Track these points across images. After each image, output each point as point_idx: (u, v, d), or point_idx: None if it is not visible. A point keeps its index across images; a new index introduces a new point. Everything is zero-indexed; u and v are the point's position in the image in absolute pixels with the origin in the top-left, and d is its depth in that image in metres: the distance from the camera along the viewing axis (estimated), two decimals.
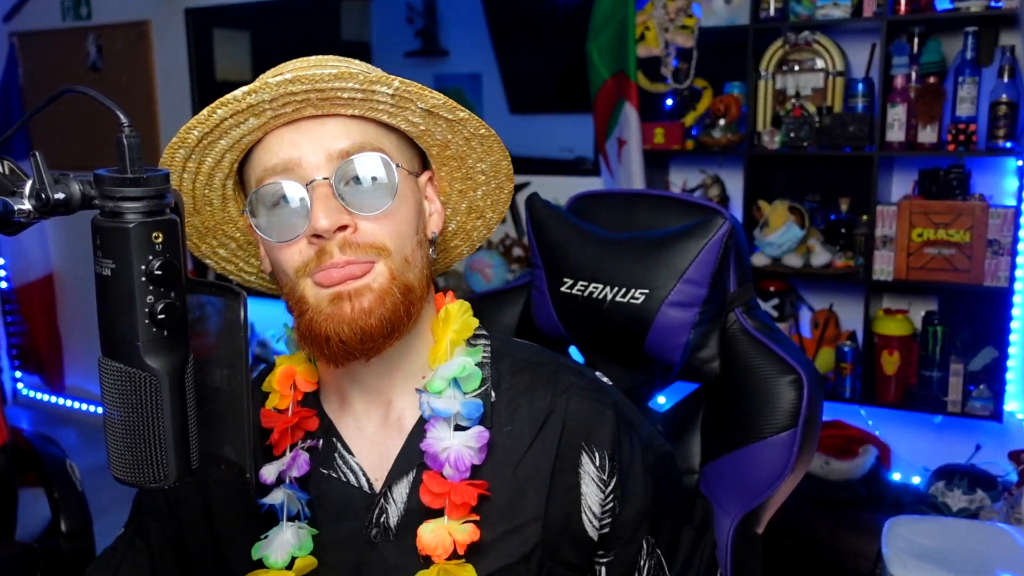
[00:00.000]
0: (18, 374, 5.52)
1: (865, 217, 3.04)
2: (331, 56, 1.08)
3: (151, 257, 0.78)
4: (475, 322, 1.15)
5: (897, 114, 2.90)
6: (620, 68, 3.13)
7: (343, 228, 0.99)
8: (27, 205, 0.80)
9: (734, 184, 3.30)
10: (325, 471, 1.11)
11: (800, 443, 1.29)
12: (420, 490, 1.05)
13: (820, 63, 3.08)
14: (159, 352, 0.80)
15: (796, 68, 3.12)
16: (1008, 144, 2.78)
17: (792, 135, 3.03)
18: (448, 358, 1.10)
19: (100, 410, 4.16)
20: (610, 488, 1.10)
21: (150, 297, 0.79)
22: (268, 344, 4.26)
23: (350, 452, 1.11)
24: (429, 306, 1.12)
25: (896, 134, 2.91)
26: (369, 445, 1.12)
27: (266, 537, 1.09)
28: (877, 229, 2.96)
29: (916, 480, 3.09)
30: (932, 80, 2.90)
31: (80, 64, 4.82)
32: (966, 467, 2.93)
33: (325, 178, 0.99)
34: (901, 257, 2.94)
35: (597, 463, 1.10)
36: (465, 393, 1.09)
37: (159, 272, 0.78)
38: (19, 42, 5.09)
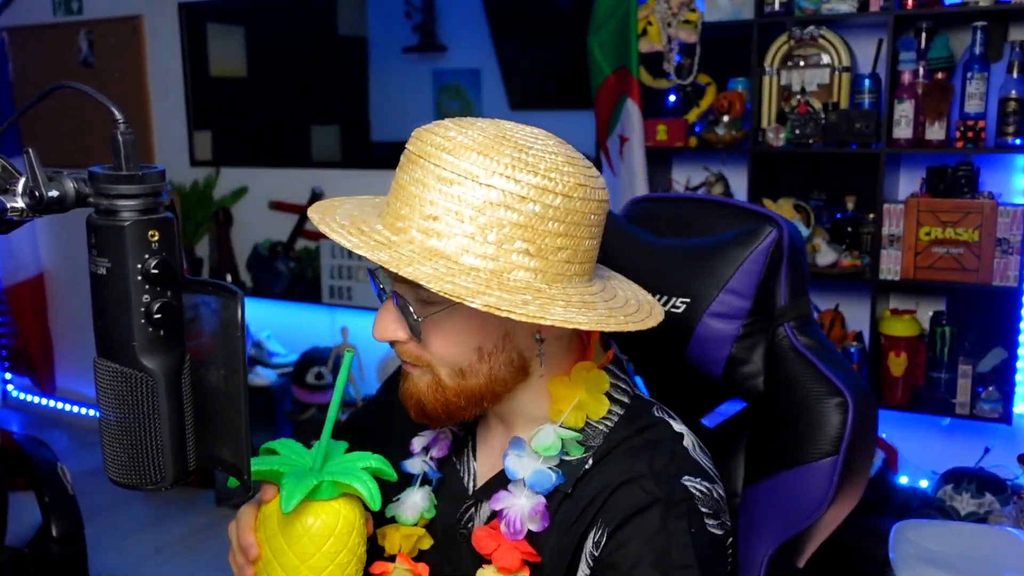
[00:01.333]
0: (8, 376, 5.46)
1: (872, 215, 3.00)
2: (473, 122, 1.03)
3: (147, 256, 0.78)
4: (604, 402, 1.13)
5: (904, 110, 2.86)
6: (622, 64, 3.09)
7: (397, 341, 1.07)
8: (20, 203, 0.81)
9: (738, 182, 3.25)
10: (455, 459, 1.22)
11: (842, 471, 1.20)
12: (473, 538, 1.12)
13: (826, 59, 3.04)
14: (155, 352, 0.80)
15: (801, 64, 3.07)
16: (1017, 141, 2.74)
17: (797, 132, 2.99)
18: (560, 422, 1.11)
19: (92, 412, 4.12)
20: (593, 569, 1.06)
21: (146, 296, 0.78)
22: (263, 345, 4.20)
23: (475, 455, 1.21)
24: (548, 368, 1.12)
25: (903, 131, 2.87)
26: (489, 456, 1.20)
27: (397, 499, 1.20)
28: (884, 228, 2.92)
29: (924, 484, 3.05)
30: (940, 76, 2.86)
31: (72, 59, 4.76)
32: (975, 470, 2.89)
33: (395, 291, 1.05)
34: (908, 256, 2.90)
35: (595, 538, 1.06)
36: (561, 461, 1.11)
37: (155, 271, 0.78)
38: (9, 37, 5.03)
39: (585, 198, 0.99)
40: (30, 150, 0.79)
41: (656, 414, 1.15)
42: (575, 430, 1.10)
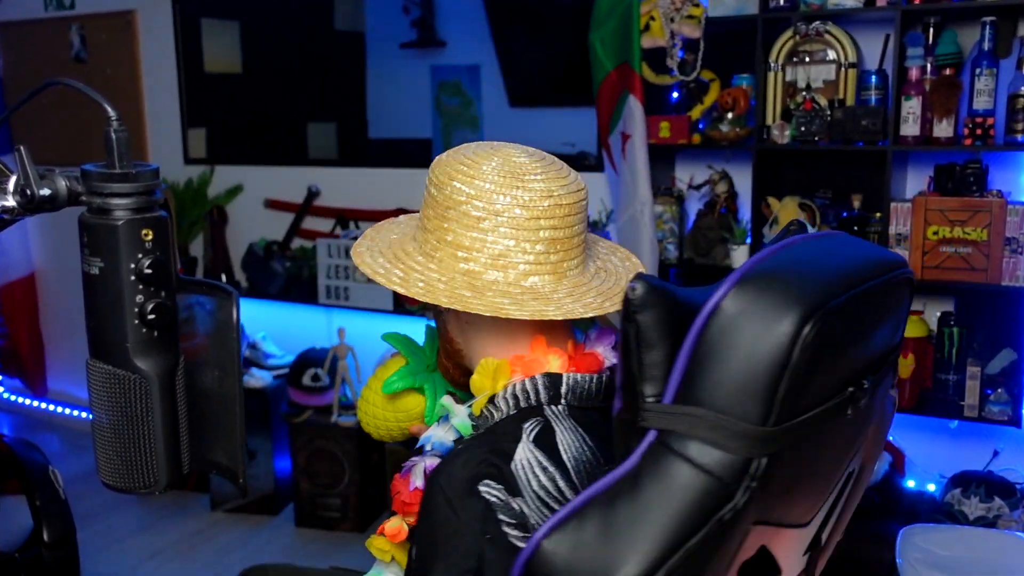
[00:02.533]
0: None
1: (878, 214, 2.95)
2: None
3: (141, 255, 0.77)
4: (486, 386, 1.23)
5: (911, 107, 2.81)
6: (624, 59, 3.05)
7: None
8: (11, 202, 0.81)
9: (742, 180, 3.21)
10: None
11: None
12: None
13: (832, 54, 2.99)
14: (149, 353, 0.79)
15: (807, 59, 3.03)
16: None
17: (803, 129, 2.95)
18: (469, 403, 1.25)
19: (84, 415, 4.07)
20: None
21: (139, 296, 0.78)
22: (258, 346, 4.15)
23: None
24: (475, 351, 1.29)
25: (910, 128, 2.83)
26: None
27: None
28: (891, 227, 2.88)
29: (931, 487, 3.01)
30: (948, 72, 2.81)
31: (63, 55, 4.71)
32: (983, 474, 2.86)
33: None
34: (916, 256, 2.86)
35: None
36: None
37: (149, 271, 0.78)
38: None
39: (461, 198, 1.16)
40: (21, 148, 0.79)
41: (526, 426, 1.16)
42: (474, 415, 1.22)
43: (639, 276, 0.92)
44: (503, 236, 1.16)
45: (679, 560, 0.84)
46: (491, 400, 1.21)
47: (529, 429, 1.15)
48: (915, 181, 3.04)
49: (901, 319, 1.12)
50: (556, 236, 1.17)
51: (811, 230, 1.15)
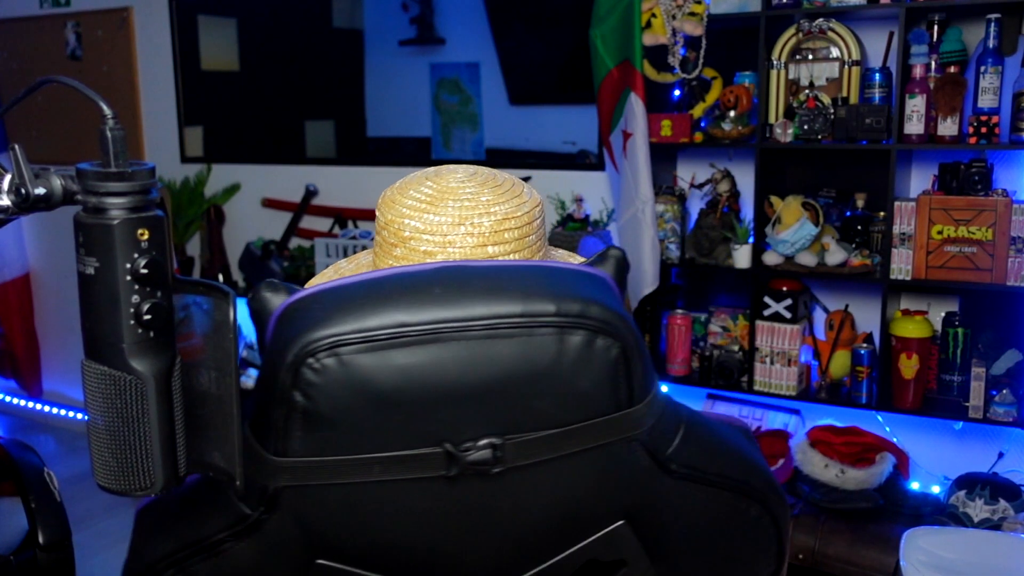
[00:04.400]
0: None
1: (882, 213, 2.94)
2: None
3: (136, 255, 0.77)
4: None
5: (916, 105, 2.79)
6: (625, 57, 3.02)
7: None
8: (5, 201, 0.81)
9: (745, 178, 3.19)
10: None
11: None
12: None
13: (835, 52, 2.97)
14: (145, 354, 0.79)
15: (810, 57, 3.01)
16: None
17: (806, 127, 2.93)
18: None
19: (79, 416, 4.05)
20: None
21: (135, 297, 0.77)
22: (256, 347, 4.12)
23: None
24: None
25: (915, 126, 2.80)
26: None
27: None
28: (895, 226, 2.85)
29: (936, 489, 3.00)
30: (953, 70, 2.79)
31: (58, 53, 4.70)
32: (988, 476, 2.84)
33: None
34: (920, 255, 2.84)
35: None
36: None
37: (145, 271, 0.77)
38: None
39: (383, 223, 1.07)
40: (16, 146, 0.79)
41: None
42: None
43: (265, 281, 0.90)
44: (412, 264, 1.05)
45: (188, 554, 0.90)
46: None
47: None
48: (919, 180, 3.02)
49: (595, 380, 0.84)
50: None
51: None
